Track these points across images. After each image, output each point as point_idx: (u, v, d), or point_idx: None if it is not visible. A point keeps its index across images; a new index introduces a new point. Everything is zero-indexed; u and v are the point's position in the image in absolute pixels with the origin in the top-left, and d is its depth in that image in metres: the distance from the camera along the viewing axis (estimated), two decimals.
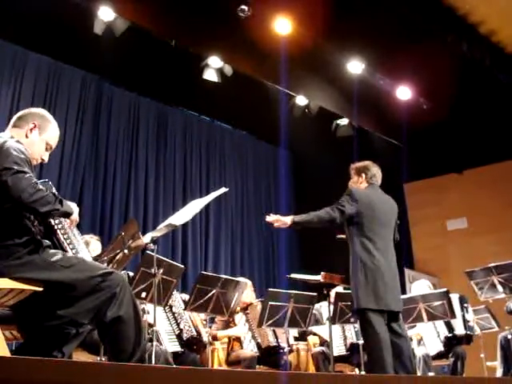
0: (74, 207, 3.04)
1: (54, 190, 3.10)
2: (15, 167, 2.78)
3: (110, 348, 2.89)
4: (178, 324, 5.38)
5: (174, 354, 5.08)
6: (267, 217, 4.73)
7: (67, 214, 2.98)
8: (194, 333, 5.40)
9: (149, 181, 9.32)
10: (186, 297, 5.68)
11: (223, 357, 5.81)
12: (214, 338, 5.80)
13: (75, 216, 3.05)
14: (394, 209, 4.92)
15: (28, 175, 2.80)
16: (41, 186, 2.82)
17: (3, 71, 7.74)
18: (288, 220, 4.67)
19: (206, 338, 5.35)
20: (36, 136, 3.12)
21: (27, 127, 3.10)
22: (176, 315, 5.42)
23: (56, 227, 3.05)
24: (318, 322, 6.49)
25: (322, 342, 6.44)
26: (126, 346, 2.80)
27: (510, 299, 6.40)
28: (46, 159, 3.22)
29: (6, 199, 2.77)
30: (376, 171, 4.92)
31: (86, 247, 3.21)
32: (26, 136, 3.09)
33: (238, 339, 5.90)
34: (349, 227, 4.72)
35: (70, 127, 8.36)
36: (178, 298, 5.50)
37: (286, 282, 7.81)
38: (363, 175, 4.90)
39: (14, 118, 3.17)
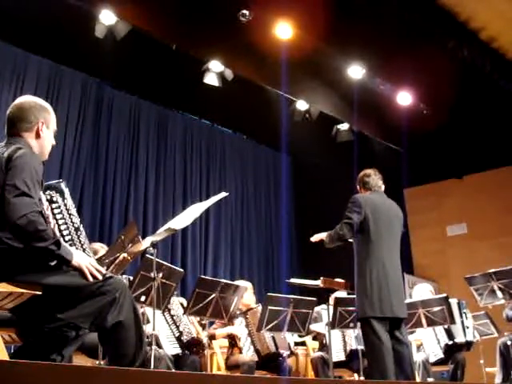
0: (78, 255, 2.81)
1: (66, 192, 3.04)
2: (23, 188, 2.67)
3: (111, 353, 2.88)
4: (177, 327, 5.38)
5: (174, 356, 5.07)
6: (312, 239, 4.95)
7: (63, 260, 2.75)
8: (194, 335, 5.40)
9: (149, 184, 9.32)
10: (183, 300, 5.69)
11: (222, 361, 5.79)
12: (213, 337, 5.79)
13: (83, 263, 2.79)
14: (399, 215, 4.93)
15: (34, 202, 2.68)
16: (42, 220, 2.70)
17: (4, 74, 7.74)
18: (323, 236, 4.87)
19: (205, 340, 5.35)
20: (46, 131, 3.04)
21: (36, 127, 2.99)
22: (175, 318, 5.42)
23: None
24: (316, 320, 6.47)
25: (322, 347, 6.43)
26: (127, 351, 2.79)
27: (508, 305, 6.39)
28: (54, 142, 3.14)
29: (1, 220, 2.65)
30: (371, 179, 4.93)
31: (89, 251, 3.15)
32: (38, 136, 3.01)
33: (237, 344, 5.88)
34: (356, 234, 4.72)
35: (71, 130, 8.37)
36: (175, 302, 5.50)
37: (286, 286, 7.81)
38: (358, 187, 4.99)
39: (14, 119, 2.99)
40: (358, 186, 5.02)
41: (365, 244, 4.65)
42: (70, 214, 3.01)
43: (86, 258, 2.86)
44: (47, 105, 3.13)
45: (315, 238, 4.92)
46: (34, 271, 2.72)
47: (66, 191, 3.03)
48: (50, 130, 3.08)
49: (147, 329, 4.66)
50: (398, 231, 4.87)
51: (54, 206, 2.97)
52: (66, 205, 3.01)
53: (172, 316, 5.43)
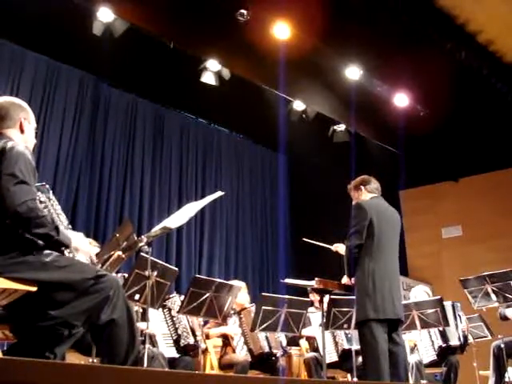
0: (76, 238, 2.92)
1: (51, 194, 3.08)
2: (21, 177, 2.73)
3: (103, 351, 2.88)
4: (176, 329, 5.36)
5: (169, 358, 5.05)
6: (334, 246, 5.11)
7: (62, 244, 2.85)
8: (192, 340, 5.37)
9: (144, 183, 9.31)
10: None
11: (216, 361, 5.79)
12: (206, 337, 5.79)
13: (83, 248, 2.93)
14: (399, 219, 5.03)
15: (32, 189, 2.75)
16: (42, 206, 2.76)
17: (1, 70, 7.72)
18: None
19: (202, 343, 5.34)
20: (28, 126, 3.11)
21: (19, 123, 3.06)
22: (174, 319, 5.40)
23: None
24: (304, 325, 6.46)
25: (314, 348, 6.41)
26: (119, 349, 2.79)
27: (502, 305, 6.39)
28: (34, 139, 3.22)
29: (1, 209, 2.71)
30: (374, 182, 4.98)
31: None
32: (22, 131, 3.07)
33: (231, 343, 5.88)
34: None
35: (67, 127, 8.35)
36: (178, 302, 5.42)
37: (281, 286, 7.80)
38: (362, 187, 4.96)
39: None
40: (355, 192, 5.01)
41: (368, 246, 4.68)
42: (57, 214, 3.09)
43: (85, 240, 2.93)
44: (25, 104, 3.21)
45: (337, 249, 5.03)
46: (27, 267, 2.72)
47: (51, 193, 3.12)
48: (31, 126, 3.15)
49: (141, 326, 4.65)
50: (398, 235, 4.93)
51: (42, 205, 3.02)
52: (52, 205, 3.09)
53: (172, 316, 5.41)
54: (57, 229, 2.78)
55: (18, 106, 3.12)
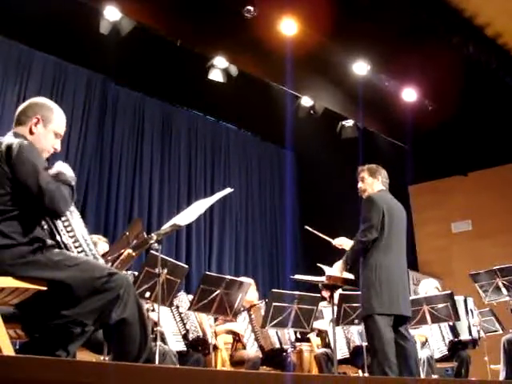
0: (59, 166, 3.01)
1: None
2: (48, 178, 2.81)
3: (115, 350, 2.89)
4: (184, 324, 5.39)
5: (179, 353, 5.08)
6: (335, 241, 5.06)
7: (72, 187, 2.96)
8: (200, 334, 5.41)
9: (153, 181, 9.33)
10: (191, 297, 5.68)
11: (226, 357, 5.80)
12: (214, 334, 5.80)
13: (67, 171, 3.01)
14: (405, 214, 4.96)
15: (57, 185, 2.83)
16: (62, 188, 2.85)
17: (9, 70, 7.75)
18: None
19: (211, 339, 5.36)
20: (41, 129, 3.03)
21: (30, 122, 3.01)
22: (183, 315, 5.43)
23: (62, 227, 3.03)
24: (317, 318, 6.47)
25: (324, 345, 6.41)
26: (131, 347, 2.79)
27: None
28: (59, 148, 3.14)
29: (31, 204, 2.79)
30: (386, 175, 4.96)
31: (92, 246, 3.17)
32: (31, 132, 3.01)
33: (241, 340, 5.89)
34: None
35: (75, 127, 8.37)
36: (184, 299, 5.48)
37: (290, 283, 7.80)
38: (379, 177, 4.91)
39: (17, 113, 3.06)
40: (369, 176, 4.93)
41: (377, 241, 4.65)
42: (70, 212, 3.08)
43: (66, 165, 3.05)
44: (54, 106, 3.14)
45: (339, 243, 4.97)
46: (37, 266, 2.73)
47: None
48: (48, 130, 3.07)
49: (153, 317, 4.68)
50: (405, 231, 4.91)
51: None
52: None
53: (180, 313, 5.44)
54: (71, 187, 2.93)
55: (39, 106, 3.08)
